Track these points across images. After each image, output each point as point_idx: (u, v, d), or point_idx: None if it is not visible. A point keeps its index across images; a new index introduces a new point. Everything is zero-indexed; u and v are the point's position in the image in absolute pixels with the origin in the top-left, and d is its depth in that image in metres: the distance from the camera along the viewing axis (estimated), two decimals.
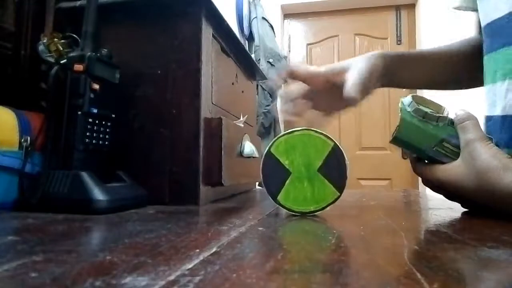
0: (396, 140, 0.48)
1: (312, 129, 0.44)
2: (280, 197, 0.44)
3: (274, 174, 0.44)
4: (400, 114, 0.47)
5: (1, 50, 0.62)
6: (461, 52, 0.64)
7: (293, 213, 0.45)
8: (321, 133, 0.44)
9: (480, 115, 0.51)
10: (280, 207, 0.45)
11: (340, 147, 0.44)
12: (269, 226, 0.39)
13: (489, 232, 0.37)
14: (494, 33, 0.52)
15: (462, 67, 0.64)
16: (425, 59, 0.63)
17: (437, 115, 0.46)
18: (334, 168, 0.43)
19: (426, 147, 0.47)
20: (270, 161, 0.44)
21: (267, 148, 0.45)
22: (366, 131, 2.79)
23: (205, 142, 0.60)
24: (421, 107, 0.47)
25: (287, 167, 0.44)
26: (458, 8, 0.67)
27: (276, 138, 0.45)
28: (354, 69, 0.54)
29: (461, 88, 0.70)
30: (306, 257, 0.26)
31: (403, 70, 0.61)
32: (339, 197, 0.44)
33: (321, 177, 0.43)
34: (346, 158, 0.43)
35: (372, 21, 2.83)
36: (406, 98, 0.48)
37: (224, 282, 0.20)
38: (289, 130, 0.45)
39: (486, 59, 0.55)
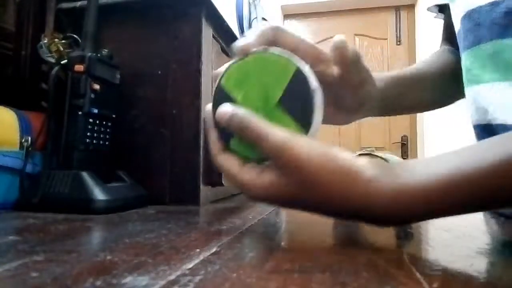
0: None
1: (271, 49, 0.33)
2: (233, 143, 0.33)
3: None
4: None
5: (2, 50, 0.63)
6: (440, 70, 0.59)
7: (253, 160, 0.33)
8: (282, 54, 0.33)
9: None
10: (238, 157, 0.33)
11: (305, 70, 0.32)
12: (269, 226, 0.39)
13: (489, 232, 0.37)
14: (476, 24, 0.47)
15: (448, 85, 0.58)
16: (412, 81, 0.56)
17: None
18: (297, 99, 0.32)
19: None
20: (221, 97, 0.34)
21: (217, 80, 0.35)
22: (366, 131, 2.79)
23: (205, 142, 0.60)
24: None
25: (240, 102, 0.33)
26: (429, 9, 0.65)
27: (228, 65, 0.34)
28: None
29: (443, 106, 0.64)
30: (306, 257, 0.26)
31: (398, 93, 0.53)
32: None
33: (281, 111, 0.32)
34: (313, 84, 0.32)
35: (371, 21, 2.83)
36: None
37: (224, 282, 0.20)
38: (244, 55, 0.34)
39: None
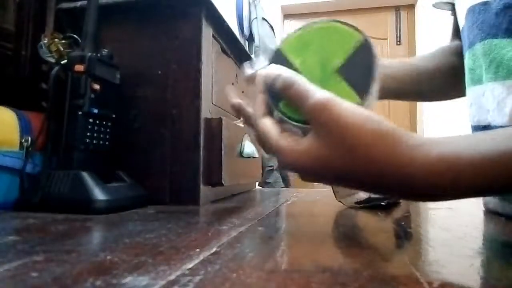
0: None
1: (336, 20, 0.33)
2: (281, 105, 0.32)
3: None
4: None
5: (2, 50, 0.63)
6: (443, 64, 0.59)
7: (298, 126, 0.32)
8: (348, 24, 0.33)
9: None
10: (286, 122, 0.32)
11: (370, 42, 0.32)
12: (269, 226, 0.39)
13: (489, 232, 0.37)
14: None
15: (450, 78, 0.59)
16: (412, 71, 0.58)
17: None
18: (359, 68, 0.32)
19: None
20: (278, 59, 0.34)
21: (275, 45, 0.35)
22: None
23: (205, 142, 0.60)
24: None
25: (297, 66, 0.33)
26: (435, 5, 0.65)
27: (288, 34, 0.35)
28: None
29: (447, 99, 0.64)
30: (306, 257, 0.26)
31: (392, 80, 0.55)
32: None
33: (339, 78, 0.32)
34: (377, 57, 0.32)
35: (371, 21, 2.83)
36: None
37: (224, 282, 0.20)
38: (306, 24, 0.34)
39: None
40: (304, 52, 0.33)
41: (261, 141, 0.36)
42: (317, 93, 0.28)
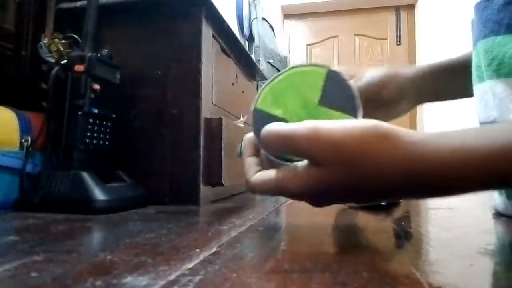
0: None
1: (297, 64, 0.36)
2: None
3: None
4: None
5: (2, 50, 0.63)
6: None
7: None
8: (308, 65, 0.35)
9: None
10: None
11: (335, 70, 0.35)
12: (269, 226, 0.39)
13: (490, 232, 0.37)
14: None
15: None
16: (456, 69, 0.58)
17: None
18: (336, 91, 0.34)
19: None
20: (260, 118, 0.35)
21: (252, 106, 0.36)
22: None
23: (205, 142, 0.60)
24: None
25: (281, 116, 0.35)
26: None
27: (259, 92, 0.36)
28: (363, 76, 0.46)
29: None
30: (306, 257, 0.26)
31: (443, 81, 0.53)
32: None
33: (324, 109, 0.34)
34: (346, 78, 0.34)
35: (371, 21, 2.83)
36: None
37: (224, 282, 0.20)
38: (271, 78, 0.36)
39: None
40: (282, 101, 0.35)
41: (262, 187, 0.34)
42: (298, 130, 0.28)
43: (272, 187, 0.31)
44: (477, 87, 0.48)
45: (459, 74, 0.54)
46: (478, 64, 0.48)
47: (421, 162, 0.25)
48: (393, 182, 0.26)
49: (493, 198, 0.50)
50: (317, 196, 0.29)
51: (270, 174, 0.31)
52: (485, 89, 0.46)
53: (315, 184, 0.28)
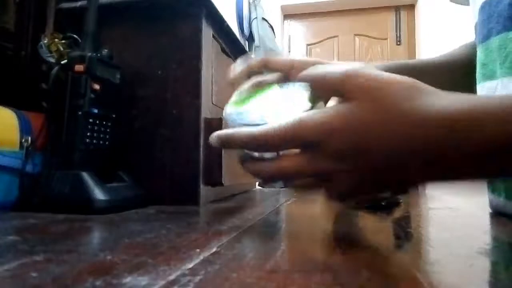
0: None
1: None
2: None
3: None
4: None
5: (2, 50, 0.63)
6: (464, 62, 0.57)
7: None
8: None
9: None
10: None
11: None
12: (269, 226, 0.40)
13: (490, 232, 0.37)
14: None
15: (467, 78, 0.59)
16: (433, 69, 0.57)
17: None
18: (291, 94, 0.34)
19: None
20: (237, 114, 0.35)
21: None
22: None
23: (205, 142, 0.60)
24: None
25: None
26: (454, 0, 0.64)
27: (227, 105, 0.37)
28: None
29: None
30: (306, 257, 0.26)
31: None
32: None
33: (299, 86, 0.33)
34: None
35: (371, 21, 2.83)
36: None
37: (224, 282, 0.20)
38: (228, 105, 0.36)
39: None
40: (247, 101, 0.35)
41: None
42: (339, 68, 0.28)
43: (282, 137, 0.28)
44: (482, 86, 0.48)
45: (429, 75, 0.54)
46: (484, 62, 0.47)
47: (481, 117, 0.24)
48: (432, 138, 0.25)
49: (493, 198, 0.50)
50: (335, 147, 0.27)
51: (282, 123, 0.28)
52: (491, 87, 0.46)
53: (340, 122, 0.26)
